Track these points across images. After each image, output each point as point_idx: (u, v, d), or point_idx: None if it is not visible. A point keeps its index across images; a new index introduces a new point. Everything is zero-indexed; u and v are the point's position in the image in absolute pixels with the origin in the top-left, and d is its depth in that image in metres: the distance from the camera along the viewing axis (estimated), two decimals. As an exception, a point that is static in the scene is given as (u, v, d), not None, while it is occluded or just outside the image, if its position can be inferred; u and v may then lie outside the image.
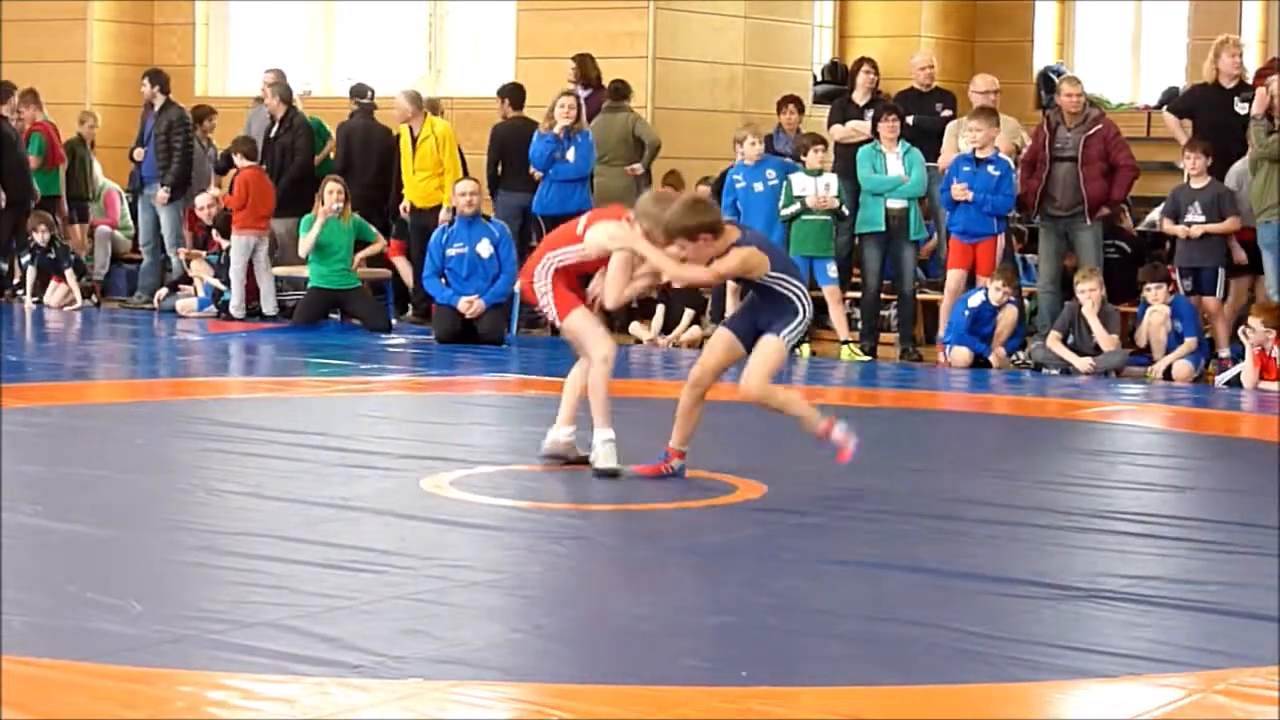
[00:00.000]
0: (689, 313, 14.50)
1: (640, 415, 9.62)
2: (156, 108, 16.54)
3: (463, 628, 5.57)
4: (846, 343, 13.82)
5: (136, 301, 16.76)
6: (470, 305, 14.16)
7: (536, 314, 13.45)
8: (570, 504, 7.52)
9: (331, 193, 15.03)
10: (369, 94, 16.61)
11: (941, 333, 13.67)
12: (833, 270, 13.82)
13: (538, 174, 14.86)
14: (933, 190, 14.32)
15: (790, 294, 7.98)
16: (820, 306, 14.07)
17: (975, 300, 13.31)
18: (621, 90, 15.28)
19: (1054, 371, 12.97)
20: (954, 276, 13.60)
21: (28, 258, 16.77)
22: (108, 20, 19.70)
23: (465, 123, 16.32)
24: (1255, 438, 10.72)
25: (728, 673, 5.08)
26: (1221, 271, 13.12)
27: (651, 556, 6.79)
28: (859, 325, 14.21)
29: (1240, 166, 13.15)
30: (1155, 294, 12.98)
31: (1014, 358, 13.37)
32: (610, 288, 8.16)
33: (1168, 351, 12.87)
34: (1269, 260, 12.85)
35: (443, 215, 14.99)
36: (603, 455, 8.16)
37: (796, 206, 13.73)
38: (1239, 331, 12.57)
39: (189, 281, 16.25)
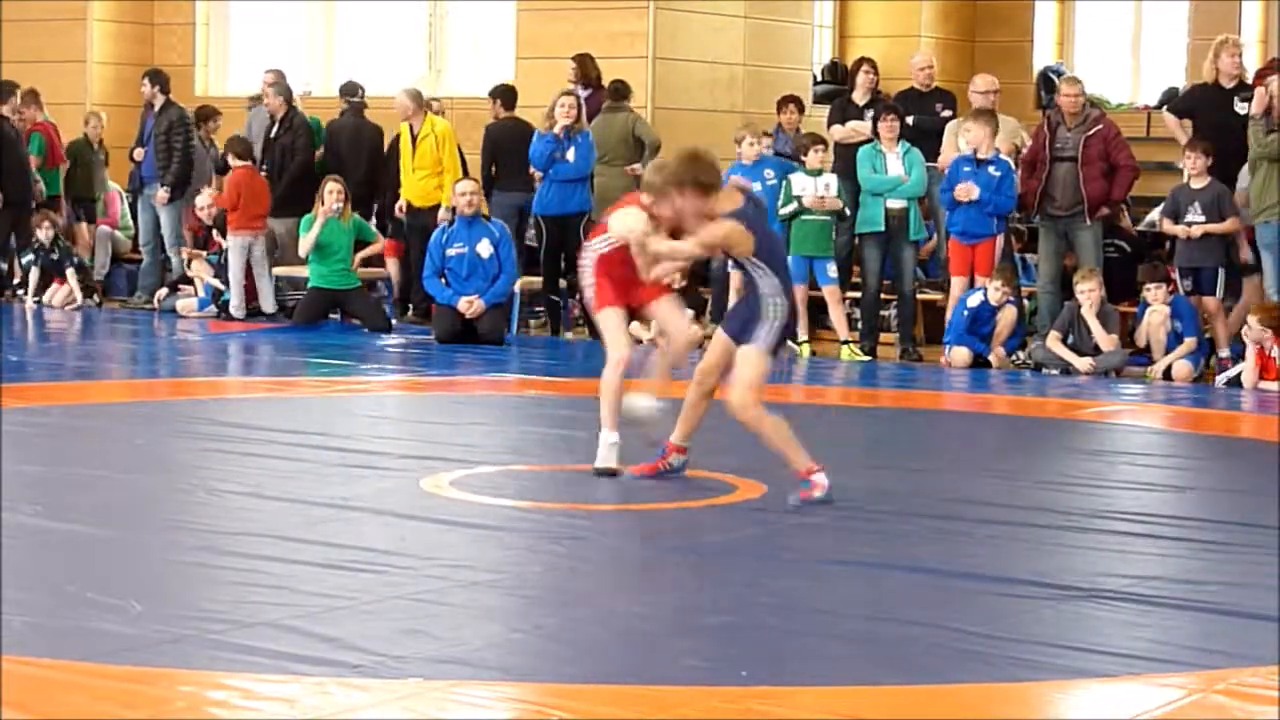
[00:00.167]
0: (689, 312, 14.47)
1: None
2: (156, 108, 16.54)
3: (463, 628, 5.57)
4: (846, 343, 13.82)
5: (136, 301, 16.76)
6: (470, 305, 14.16)
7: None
8: (570, 504, 7.52)
9: (331, 193, 15.03)
10: (359, 92, 16.63)
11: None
12: (833, 270, 13.82)
13: (538, 174, 14.86)
14: (933, 190, 14.32)
15: (767, 291, 7.72)
16: (820, 306, 14.11)
17: (974, 300, 13.31)
18: (621, 90, 15.28)
19: (1054, 371, 12.97)
20: (958, 284, 13.57)
21: (29, 257, 16.78)
22: (108, 20, 19.70)
23: (465, 123, 16.31)
24: (1255, 438, 10.72)
25: (728, 673, 5.08)
26: (1221, 271, 13.12)
27: (651, 556, 6.79)
28: (859, 325, 14.21)
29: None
30: (1155, 294, 12.98)
31: (1014, 358, 13.38)
32: (640, 271, 8.14)
33: (1167, 351, 12.87)
34: (1268, 260, 12.86)
35: (441, 214, 14.99)
36: (601, 455, 8.17)
37: (794, 206, 13.73)
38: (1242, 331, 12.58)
39: (189, 281, 16.25)
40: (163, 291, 16.42)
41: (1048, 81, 17.80)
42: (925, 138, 14.38)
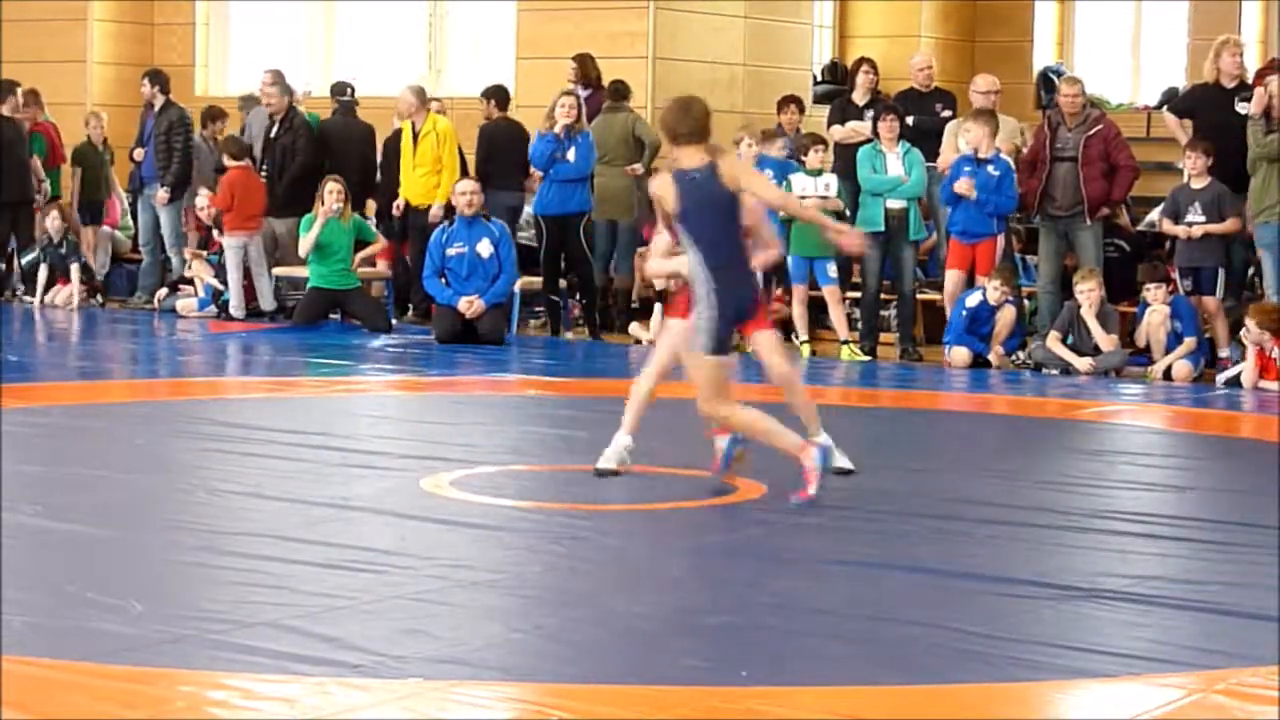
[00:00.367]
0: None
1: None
2: (156, 108, 16.54)
3: (463, 628, 5.57)
4: (846, 343, 13.82)
5: (137, 301, 16.76)
6: (470, 305, 14.15)
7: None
8: (570, 504, 7.52)
9: (331, 193, 15.03)
10: (349, 91, 16.65)
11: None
12: (833, 270, 13.81)
13: (538, 174, 14.87)
14: (933, 190, 14.32)
15: (696, 275, 7.46)
16: (820, 306, 14.12)
17: (973, 300, 13.31)
18: (621, 90, 15.28)
19: (1054, 371, 12.97)
20: (952, 277, 13.59)
21: (30, 257, 16.79)
22: (108, 20, 19.70)
23: (465, 123, 16.31)
24: (1255, 438, 10.72)
25: (728, 673, 5.08)
26: (1221, 271, 13.12)
27: (651, 556, 6.79)
28: (859, 325, 14.20)
29: None
30: (1155, 294, 12.98)
31: (1014, 358, 13.37)
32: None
33: (1167, 351, 12.87)
34: (1268, 260, 12.86)
35: (434, 211, 15.01)
36: (606, 455, 8.15)
37: (793, 205, 13.73)
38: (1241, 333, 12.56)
39: (189, 281, 16.25)
40: (163, 291, 16.42)
41: (1048, 81, 17.79)
42: (925, 138, 14.38)
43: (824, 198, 13.73)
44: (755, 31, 16.99)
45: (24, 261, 16.96)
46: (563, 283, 15.05)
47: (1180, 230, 13.16)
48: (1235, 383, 12.41)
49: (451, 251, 14.35)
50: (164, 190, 16.33)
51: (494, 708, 4.84)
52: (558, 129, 14.58)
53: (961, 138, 13.82)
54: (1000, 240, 13.56)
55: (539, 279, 15.12)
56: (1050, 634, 5.62)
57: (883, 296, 14.26)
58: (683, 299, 8.23)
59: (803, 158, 14.03)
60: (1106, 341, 12.91)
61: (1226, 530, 7.32)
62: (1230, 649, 5.43)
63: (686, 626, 5.63)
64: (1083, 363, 12.86)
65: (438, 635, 5.42)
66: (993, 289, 13.21)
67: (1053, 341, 13.06)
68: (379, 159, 16.14)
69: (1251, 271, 13.52)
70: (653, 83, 16.17)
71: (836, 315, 13.89)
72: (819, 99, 17.57)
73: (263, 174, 16.07)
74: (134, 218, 17.45)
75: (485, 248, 14.34)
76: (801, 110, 15.73)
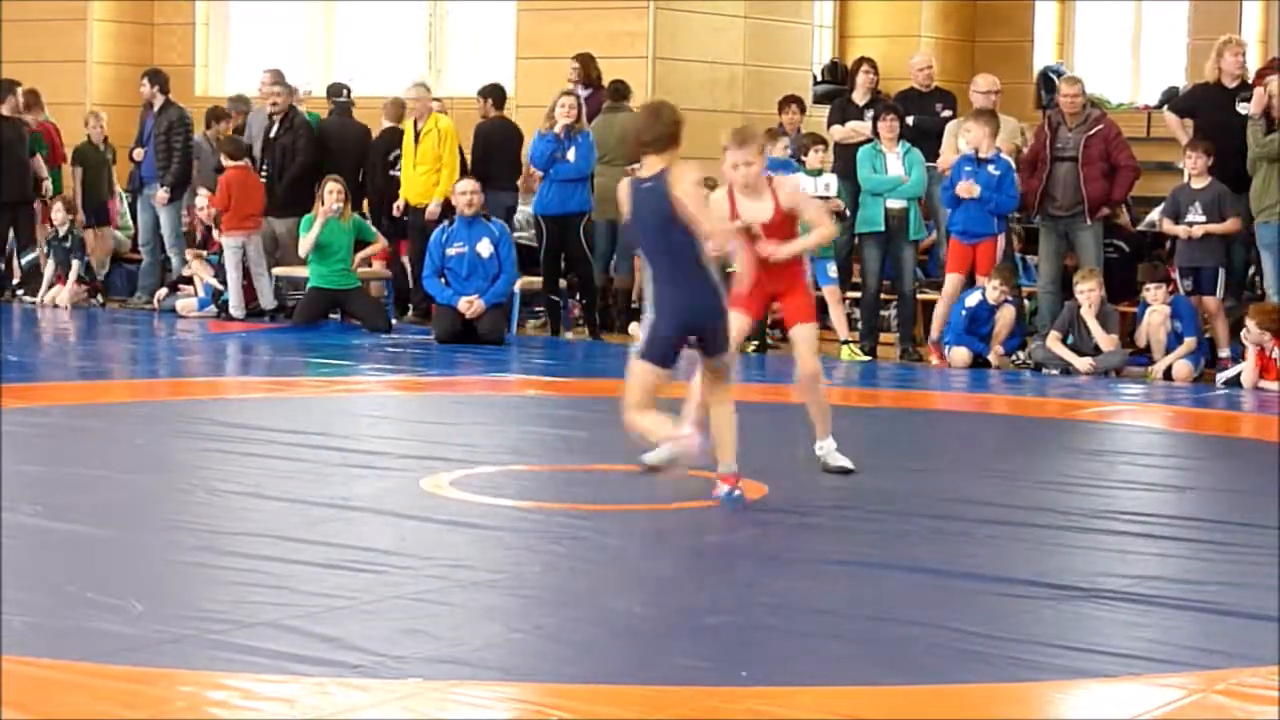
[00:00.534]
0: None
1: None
2: (156, 108, 16.53)
3: (463, 628, 5.57)
4: (846, 343, 13.81)
5: (136, 302, 16.76)
6: (470, 305, 14.15)
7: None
8: (570, 504, 7.52)
9: (331, 193, 15.03)
10: (345, 93, 16.68)
11: (935, 334, 13.65)
12: (833, 270, 13.81)
13: (537, 173, 14.87)
14: (933, 190, 14.32)
15: (648, 287, 7.42)
16: (820, 306, 14.10)
17: (973, 300, 13.31)
18: (621, 90, 15.28)
19: (1054, 371, 12.97)
20: (951, 280, 13.57)
21: (31, 256, 16.80)
22: (108, 20, 19.70)
23: (465, 123, 16.30)
24: (1255, 438, 10.72)
25: (728, 673, 5.08)
26: (1221, 271, 13.12)
27: (651, 556, 6.79)
28: (859, 325, 14.20)
29: None
30: (1155, 294, 12.98)
31: (1014, 358, 13.37)
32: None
33: (1167, 351, 12.87)
34: (1268, 260, 12.86)
35: (431, 209, 15.01)
36: (655, 453, 8.04)
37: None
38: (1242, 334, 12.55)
39: (189, 281, 16.25)
40: (162, 291, 16.42)
41: (1048, 81, 17.80)
42: (925, 138, 14.38)
43: (824, 198, 13.72)
44: (755, 31, 16.99)
45: (24, 262, 16.95)
46: (563, 283, 15.05)
47: (1180, 230, 13.16)
48: (1235, 383, 12.41)
49: (451, 251, 14.35)
50: (164, 190, 16.32)
51: (494, 708, 4.84)
52: (558, 129, 14.57)
53: (962, 137, 13.81)
54: (1000, 240, 13.56)
55: (539, 279, 15.12)
56: (1050, 634, 5.62)
57: (883, 296, 14.26)
58: (747, 293, 8.28)
59: (803, 158, 14.03)
60: (1106, 341, 12.90)
61: (1226, 530, 7.32)
62: (1230, 649, 5.43)
63: (686, 626, 5.63)
64: (1083, 363, 12.86)
65: (438, 635, 5.42)
66: (992, 288, 13.21)
67: (1053, 341, 13.06)
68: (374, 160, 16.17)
69: (1252, 271, 13.52)
70: (653, 83, 16.17)
71: (836, 315, 13.88)
72: (819, 99, 17.57)
73: (263, 174, 16.08)
74: (134, 218, 17.45)
75: (485, 247, 14.34)
76: (802, 110, 15.73)
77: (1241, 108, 13.19)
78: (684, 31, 16.52)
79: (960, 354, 13.29)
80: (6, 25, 18.78)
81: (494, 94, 15.86)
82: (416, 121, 15.48)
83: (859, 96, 15.23)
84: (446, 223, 14.59)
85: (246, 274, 15.67)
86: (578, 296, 15.23)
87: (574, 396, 10.88)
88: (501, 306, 14.50)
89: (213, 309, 15.82)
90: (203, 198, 16.28)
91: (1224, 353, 13.03)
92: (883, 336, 14.24)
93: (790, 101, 15.57)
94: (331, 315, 15.51)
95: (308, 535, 6.76)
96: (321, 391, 11.45)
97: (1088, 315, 12.91)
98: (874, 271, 14.04)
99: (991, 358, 13.28)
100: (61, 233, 16.59)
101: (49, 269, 16.69)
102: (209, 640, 5.24)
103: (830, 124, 15.22)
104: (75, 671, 4.90)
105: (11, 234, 16.96)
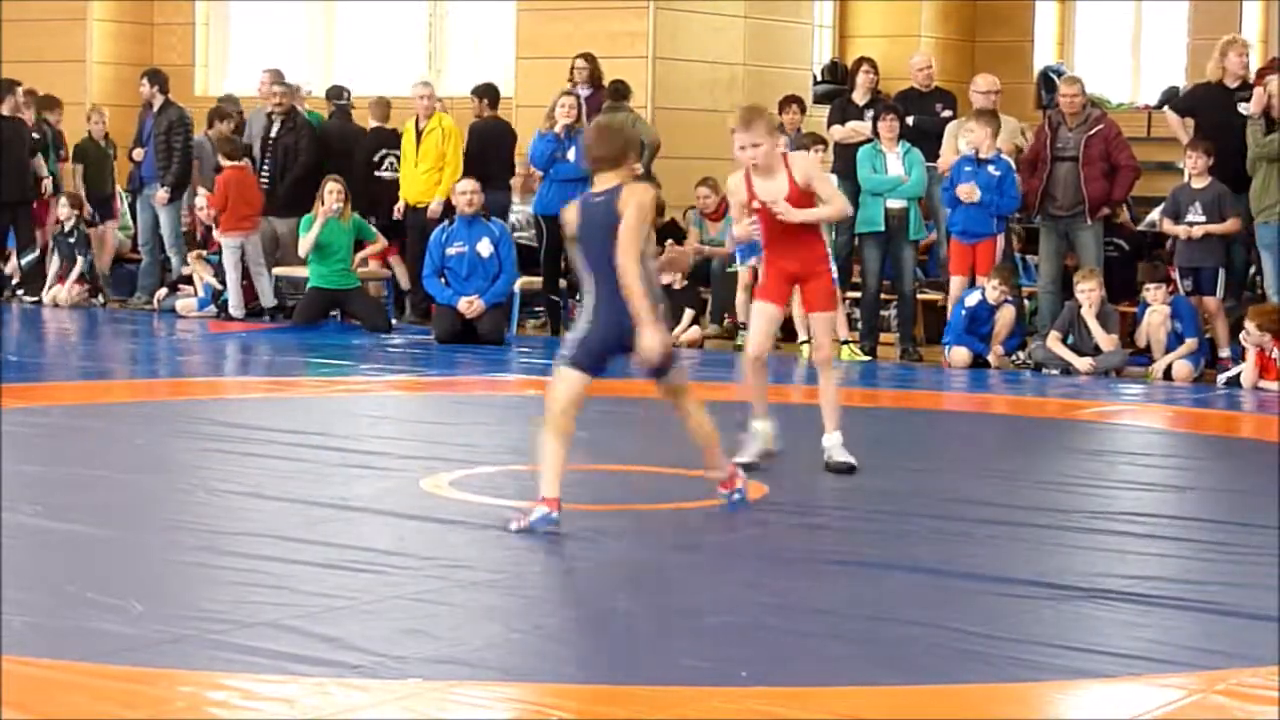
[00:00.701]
0: (689, 313, 14.49)
1: (640, 415, 9.64)
2: (155, 108, 16.53)
3: (463, 628, 5.57)
4: (846, 343, 13.81)
5: (136, 302, 16.75)
6: (470, 305, 14.15)
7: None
8: (570, 504, 7.51)
9: (331, 193, 15.03)
10: (345, 95, 16.70)
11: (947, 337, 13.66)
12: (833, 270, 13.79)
13: (537, 173, 14.87)
14: (933, 190, 14.32)
15: (586, 296, 7.29)
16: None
17: (972, 300, 13.31)
18: (621, 90, 15.28)
19: (1054, 371, 12.97)
20: (956, 283, 13.57)
21: (31, 256, 16.80)
22: (108, 20, 19.70)
23: (465, 123, 16.32)
24: (1255, 438, 10.72)
25: (728, 673, 5.08)
26: (1221, 272, 13.12)
27: (651, 556, 6.79)
28: (859, 325, 14.20)
29: None
30: (1155, 294, 12.98)
31: (1014, 358, 13.37)
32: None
33: (1167, 351, 12.87)
34: (1268, 261, 12.85)
35: (433, 207, 15.02)
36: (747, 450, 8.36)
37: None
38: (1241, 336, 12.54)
39: (189, 281, 16.25)
40: (162, 291, 16.42)
41: (1048, 81, 17.80)
42: (925, 138, 14.38)
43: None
44: (755, 31, 16.99)
45: (24, 262, 16.95)
46: (563, 283, 15.05)
47: (1180, 230, 13.15)
48: (1235, 383, 12.41)
49: (451, 251, 14.35)
50: (163, 190, 16.32)
51: (494, 708, 4.84)
52: (558, 129, 14.58)
53: (963, 138, 13.82)
54: (1000, 240, 13.56)
55: (539, 279, 15.12)
56: (1050, 634, 5.62)
57: (883, 296, 14.26)
58: (771, 283, 8.42)
59: (797, 152, 14.00)
60: (1107, 341, 12.90)
61: (1226, 530, 7.32)
62: (1230, 649, 5.43)
63: (686, 626, 5.63)
64: (1083, 363, 12.86)
65: (438, 635, 5.42)
66: (991, 288, 13.21)
67: (1053, 341, 13.06)
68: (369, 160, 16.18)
69: (1253, 271, 13.52)
70: (653, 83, 16.18)
71: (837, 315, 13.87)
72: (819, 99, 17.58)
73: (264, 174, 16.08)
74: (133, 218, 17.44)
75: (485, 247, 14.34)
76: (802, 110, 15.73)
77: (1242, 108, 13.19)
78: (684, 31, 16.52)
79: (960, 354, 13.29)
80: (6, 25, 18.78)
81: (488, 93, 15.88)
82: (418, 120, 15.49)
83: (859, 96, 15.23)
84: (446, 222, 14.59)
85: (246, 274, 15.67)
86: (577, 296, 15.22)
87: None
88: (501, 306, 14.50)
89: (212, 309, 15.82)
90: (202, 198, 16.29)
91: (1224, 353, 13.03)
92: (883, 336, 14.24)
93: (790, 101, 15.57)
94: (331, 315, 15.52)
95: (308, 535, 6.76)
96: (321, 391, 11.45)
97: (1088, 315, 12.91)
98: (874, 271, 14.05)
99: (991, 358, 13.27)
100: (67, 228, 16.59)
101: (53, 265, 16.69)
102: (209, 640, 5.24)
103: (830, 124, 15.22)
104: (75, 671, 4.90)
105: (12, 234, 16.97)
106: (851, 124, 14.97)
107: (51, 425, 9.71)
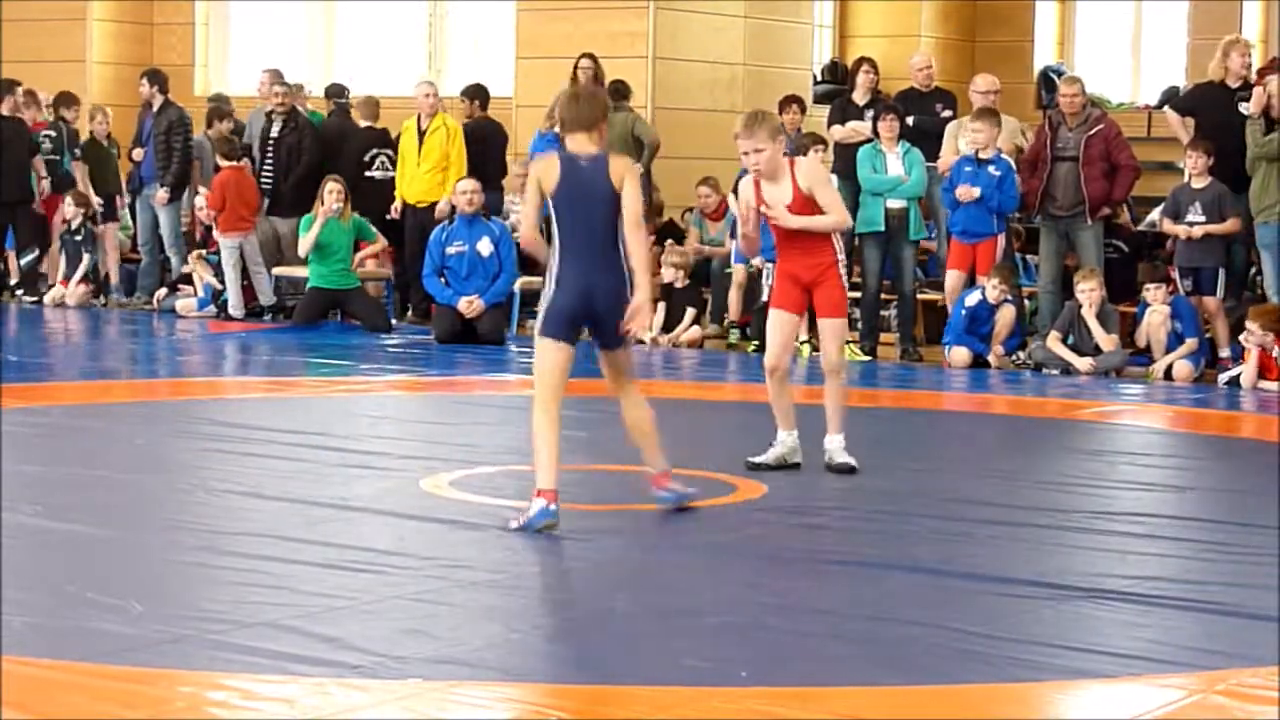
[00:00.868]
0: (690, 312, 14.49)
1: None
2: (155, 107, 16.53)
3: (462, 628, 5.57)
4: (847, 343, 13.79)
5: (136, 302, 16.75)
6: (470, 305, 14.15)
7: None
8: (570, 504, 7.51)
9: (331, 193, 15.03)
10: (345, 94, 16.70)
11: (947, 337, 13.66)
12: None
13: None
14: (933, 190, 14.32)
15: (551, 261, 7.31)
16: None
17: (972, 299, 13.31)
18: (621, 90, 15.29)
19: (1054, 371, 12.97)
20: (953, 277, 13.59)
21: (30, 256, 16.80)
22: (108, 20, 19.70)
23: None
24: (1255, 438, 10.72)
25: (728, 673, 5.08)
26: (1221, 272, 13.12)
27: (651, 556, 6.79)
28: (859, 325, 14.20)
29: None
30: (1155, 294, 12.98)
31: (1014, 358, 13.37)
32: None
33: (1168, 351, 12.87)
34: (1268, 261, 12.85)
35: (441, 207, 15.02)
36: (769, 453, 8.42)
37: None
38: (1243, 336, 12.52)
39: (188, 281, 16.25)
40: (162, 291, 16.42)
41: (1048, 81, 17.80)
42: (925, 138, 14.38)
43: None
44: (755, 31, 16.99)
45: (23, 262, 16.94)
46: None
47: (1180, 230, 13.15)
48: (1235, 383, 12.40)
49: (451, 250, 14.35)
50: (163, 190, 16.32)
51: (494, 708, 4.83)
52: (558, 128, 14.55)
53: (963, 138, 13.82)
54: (1001, 240, 13.56)
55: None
56: (1050, 634, 5.62)
57: (883, 296, 14.25)
58: (783, 291, 8.42)
59: (802, 158, 14.01)
60: (1107, 341, 12.90)
61: (1226, 530, 7.32)
62: (1230, 649, 5.43)
63: (686, 626, 5.63)
64: (1083, 363, 12.86)
65: (438, 635, 5.42)
66: (991, 287, 13.21)
67: (1053, 341, 13.06)
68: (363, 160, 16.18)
69: (1254, 272, 13.52)
70: (653, 83, 16.19)
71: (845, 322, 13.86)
72: (819, 99, 17.58)
73: (267, 174, 16.08)
74: (133, 218, 17.43)
75: (485, 246, 14.34)
76: (802, 110, 15.73)
77: (1243, 108, 13.19)
78: (684, 31, 16.52)
79: (960, 354, 13.28)
80: (6, 25, 18.78)
81: (478, 94, 15.92)
82: (420, 120, 15.49)
83: (859, 96, 15.22)
84: (447, 222, 14.60)
85: (246, 274, 15.67)
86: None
87: (573, 396, 10.85)
88: (501, 306, 14.50)
89: (212, 309, 15.82)
90: (202, 198, 16.29)
91: (1224, 353, 13.03)
92: (883, 336, 14.24)
93: (791, 101, 15.57)
94: (331, 315, 15.52)
95: (308, 535, 6.76)
96: (321, 391, 11.45)
97: (1088, 315, 12.91)
98: (874, 271, 14.04)
99: (991, 358, 13.27)
100: (74, 226, 16.59)
101: (61, 264, 16.70)
102: (209, 640, 5.24)
103: (830, 124, 15.22)
104: (75, 671, 4.90)
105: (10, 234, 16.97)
106: (851, 124, 14.97)
107: (51, 425, 9.71)
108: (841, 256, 8.48)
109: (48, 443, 9.12)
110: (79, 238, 16.61)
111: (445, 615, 5.69)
